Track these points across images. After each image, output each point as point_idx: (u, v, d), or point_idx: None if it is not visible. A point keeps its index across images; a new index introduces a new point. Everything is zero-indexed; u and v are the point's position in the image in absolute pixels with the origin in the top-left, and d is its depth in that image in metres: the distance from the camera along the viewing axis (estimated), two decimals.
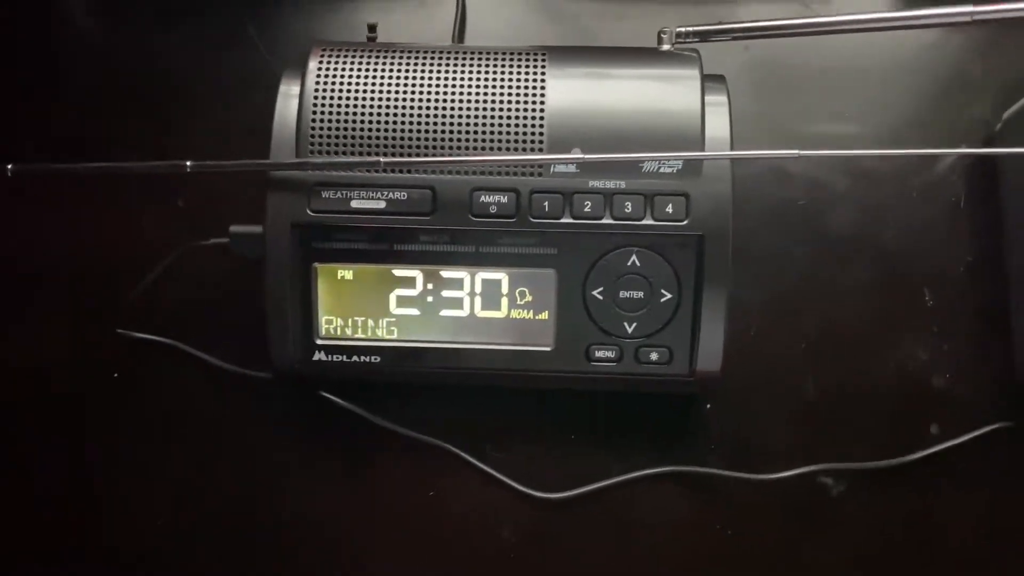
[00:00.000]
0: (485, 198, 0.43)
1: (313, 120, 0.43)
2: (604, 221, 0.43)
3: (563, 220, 0.43)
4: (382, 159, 0.42)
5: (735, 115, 0.44)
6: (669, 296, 0.44)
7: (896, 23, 0.42)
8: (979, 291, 0.50)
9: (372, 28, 0.47)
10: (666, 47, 0.46)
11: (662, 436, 0.49)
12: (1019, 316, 0.49)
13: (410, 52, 0.45)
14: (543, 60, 0.44)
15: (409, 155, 0.43)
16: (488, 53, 0.45)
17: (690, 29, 0.45)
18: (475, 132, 0.43)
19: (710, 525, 0.48)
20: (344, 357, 0.45)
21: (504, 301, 0.44)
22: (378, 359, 0.45)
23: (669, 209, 0.43)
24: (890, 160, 0.51)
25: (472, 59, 0.44)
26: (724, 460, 0.48)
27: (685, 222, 0.43)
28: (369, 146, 0.43)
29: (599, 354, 0.44)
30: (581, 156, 0.42)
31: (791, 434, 0.49)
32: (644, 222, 0.43)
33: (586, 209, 0.43)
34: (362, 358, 0.45)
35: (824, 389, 0.49)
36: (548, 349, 0.44)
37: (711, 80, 0.45)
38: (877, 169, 0.51)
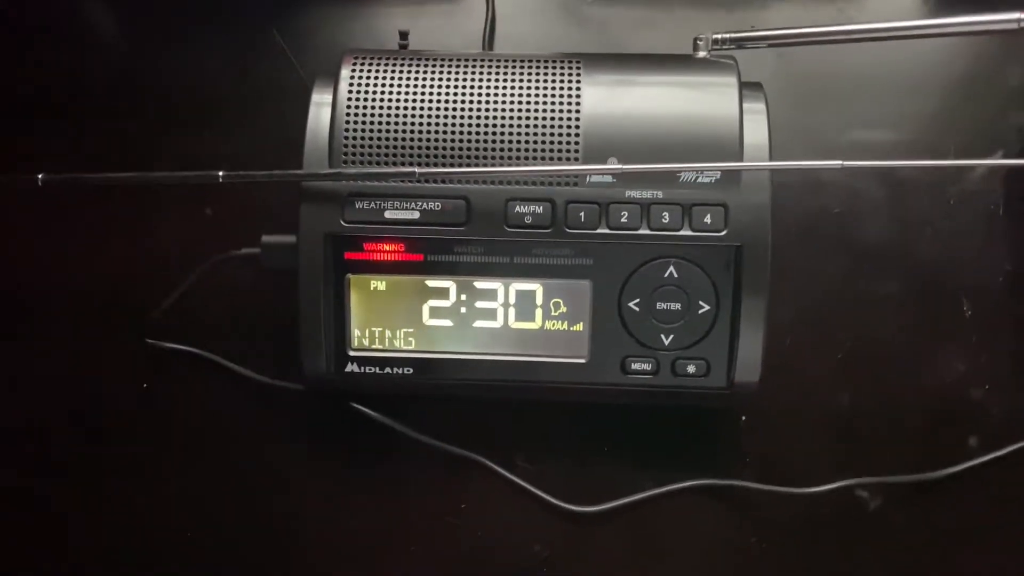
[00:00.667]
0: (520, 208, 0.42)
1: (346, 129, 0.43)
2: (641, 232, 0.42)
3: (599, 230, 0.43)
4: (418, 169, 0.42)
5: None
6: (707, 308, 0.43)
7: (941, 30, 0.42)
8: (1019, 301, 0.49)
9: (404, 35, 0.46)
10: (702, 54, 0.45)
11: (696, 449, 0.48)
12: None
13: (443, 60, 0.44)
14: (578, 68, 0.44)
15: (443, 164, 0.43)
16: (522, 61, 0.44)
17: (726, 36, 0.45)
18: (510, 141, 0.43)
19: (745, 539, 0.48)
20: (377, 369, 0.44)
21: (538, 312, 0.44)
22: (411, 371, 0.44)
23: (707, 219, 0.42)
24: (927, 168, 0.50)
25: (506, 67, 0.44)
26: (759, 474, 0.48)
27: (723, 232, 0.42)
28: (403, 155, 0.43)
29: (635, 366, 0.44)
30: (618, 167, 0.42)
31: (827, 447, 0.48)
32: (682, 232, 0.42)
33: (622, 219, 0.42)
34: (395, 370, 0.44)
35: (860, 401, 0.49)
36: (583, 361, 0.44)
37: (749, 88, 0.44)
38: (913, 177, 0.51)
